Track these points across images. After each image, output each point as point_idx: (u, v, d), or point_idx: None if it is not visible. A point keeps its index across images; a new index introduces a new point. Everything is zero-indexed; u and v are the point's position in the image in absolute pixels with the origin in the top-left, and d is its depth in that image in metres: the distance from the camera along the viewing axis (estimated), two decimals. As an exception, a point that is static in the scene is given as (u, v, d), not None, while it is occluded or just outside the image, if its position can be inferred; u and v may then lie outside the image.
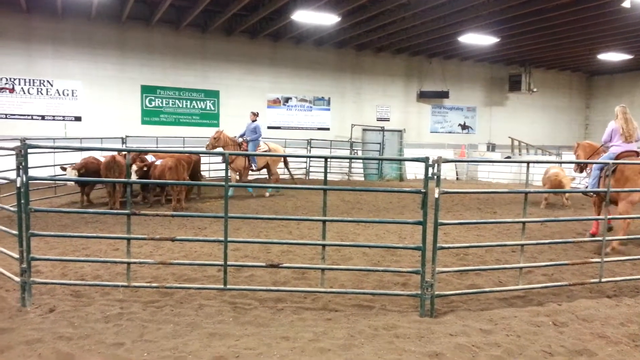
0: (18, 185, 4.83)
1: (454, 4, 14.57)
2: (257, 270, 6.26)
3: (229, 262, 5.17)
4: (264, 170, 14.75)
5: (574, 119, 27.80)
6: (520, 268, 5.51)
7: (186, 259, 6.89)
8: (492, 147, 23.45)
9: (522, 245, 5.49)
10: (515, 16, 15.35)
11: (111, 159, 10.42)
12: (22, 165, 4.81)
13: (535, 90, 24.47)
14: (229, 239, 5.12)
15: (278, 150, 14.20)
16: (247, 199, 13.14)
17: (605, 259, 5.71)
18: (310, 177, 19.13)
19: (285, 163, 15.28)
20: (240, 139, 13.43)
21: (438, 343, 4.27)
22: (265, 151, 13.25)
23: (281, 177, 17.60)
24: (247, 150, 13.21)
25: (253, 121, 13.52)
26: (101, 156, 11.15)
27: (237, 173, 13.36)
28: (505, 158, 21.28)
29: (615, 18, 15.14)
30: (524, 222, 5.47)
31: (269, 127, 20.09)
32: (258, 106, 19.85)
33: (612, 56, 20.85)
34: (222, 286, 5.17)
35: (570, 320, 4.83)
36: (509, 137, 23.67)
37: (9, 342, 4.12)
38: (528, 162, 5.58)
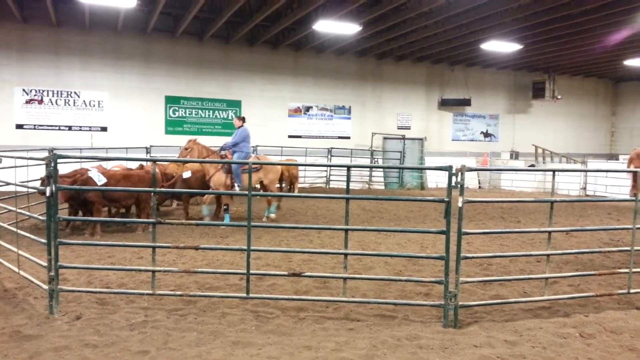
0: (47, 194, 4.94)
1: (476, 11, 14.48)
2: (278, 279, 6.28)
3: (251, 271, 5.20)
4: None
5: (599, 126, 27.27)
6: (546, 278, 5.42)
7: (209, 267, 6.95)
8: (515, 155, 23.14)
9: (548, 255, 5.40)
10: (539, 23, 15.18)
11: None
12: (51, 175, 4.92)
13: (559, 97, 24.10)
14: (251, 247, 5.16)
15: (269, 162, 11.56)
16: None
17: (634, 270, 5.57)
18: (331, 186, 19.15)
19: (291, 178, 14.23)
20: (224, 152, 10.90)
21: (462, 354, 4.22)
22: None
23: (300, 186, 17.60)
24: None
25: (239, 127, 10.89)
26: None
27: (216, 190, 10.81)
28: (529, 166, 20.99)
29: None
30: (549, 232, 5.38)
31: (289, 136, 20.23)
32: (279, 115, 20.08)
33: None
34: (244, 295, 5.21)
35: (597, 332, 4.72)
36: (533, 145, 23.33)
37: (38, 348, 4.21)
38: (554, 171, 5.49)
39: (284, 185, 14.31)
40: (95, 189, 8.54)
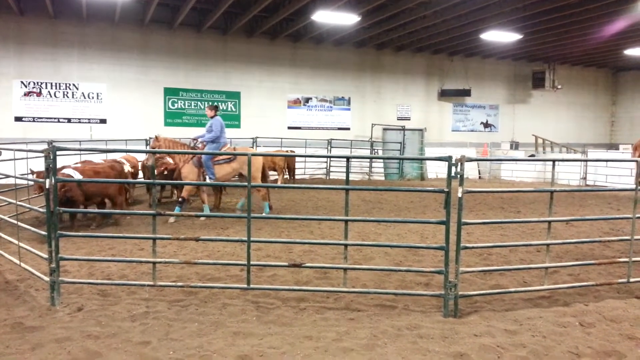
0: (47, 186, 4.93)
1: (475, 1, 14.41)
2: (279, 270, 6.29)
3: (252, 262, 5.21)
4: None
5: (599, 116, 27.24)
6: (546, 268, 5.43)
7: (209, 258, 6.96)
8: (515, 146, 23.14)
9: (548, 244, 5.41)
10: (539, 12, 15.11)
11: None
12: (50, 167, 4.91)
13: (559, 87, 24.05)
14: (251, 238, 5.16)
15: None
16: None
17: (634, 259, 5.58)
18: (331, 177, 19.15)
19: (281, 168, 14.24)
20: (194, 144, 10.52)
21: (462, 344, 4.23)
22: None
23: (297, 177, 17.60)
24: None
25: (211, 117, 10.40)
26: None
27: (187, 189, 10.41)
28: (529, 156, 20.99)
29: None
30: (549, 222, 5.38)
31: (289, 128, 20.20)
32: (279, 107, 20.04)
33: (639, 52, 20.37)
34: (245, 285, 5.22)
35: (597, 321, 4.74)
36: (533, 135, 23.32)
37: (40, 339, 4.23)
38: (553, 161, 5.48)
39: (277, 176, 14.29)
40: (95, 181, 8.52)
